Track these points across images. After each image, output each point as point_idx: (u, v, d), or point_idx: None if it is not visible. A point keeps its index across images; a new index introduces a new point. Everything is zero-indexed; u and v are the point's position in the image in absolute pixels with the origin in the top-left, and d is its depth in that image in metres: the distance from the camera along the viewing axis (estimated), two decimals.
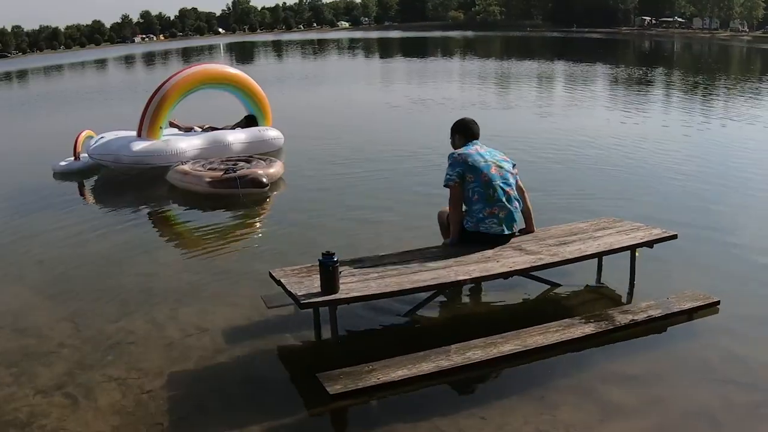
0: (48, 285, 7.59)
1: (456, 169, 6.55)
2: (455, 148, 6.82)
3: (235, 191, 10.88)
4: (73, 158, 13.54)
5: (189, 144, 13.15)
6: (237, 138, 13.92)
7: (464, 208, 6.64)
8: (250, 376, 5.43)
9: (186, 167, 11.65)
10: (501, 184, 6.54)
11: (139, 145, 12.75)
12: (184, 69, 14.42)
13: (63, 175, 13.29)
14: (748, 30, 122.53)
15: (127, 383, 5.32)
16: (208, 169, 11.52)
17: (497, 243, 6.54)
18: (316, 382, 5.06)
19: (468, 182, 6.52)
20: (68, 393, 5.22)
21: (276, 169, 11.81)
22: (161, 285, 7.43)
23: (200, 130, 14.42)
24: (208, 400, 5.10)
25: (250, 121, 14.91)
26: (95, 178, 13.21)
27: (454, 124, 6.95)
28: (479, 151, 6.65)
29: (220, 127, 14.60)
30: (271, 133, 14.60)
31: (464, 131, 6.85)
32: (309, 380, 5.16)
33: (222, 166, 11.58)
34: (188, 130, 14.39)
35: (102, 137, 13.33)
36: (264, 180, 11.11)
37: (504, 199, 6.53)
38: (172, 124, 14.36)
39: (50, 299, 7.16)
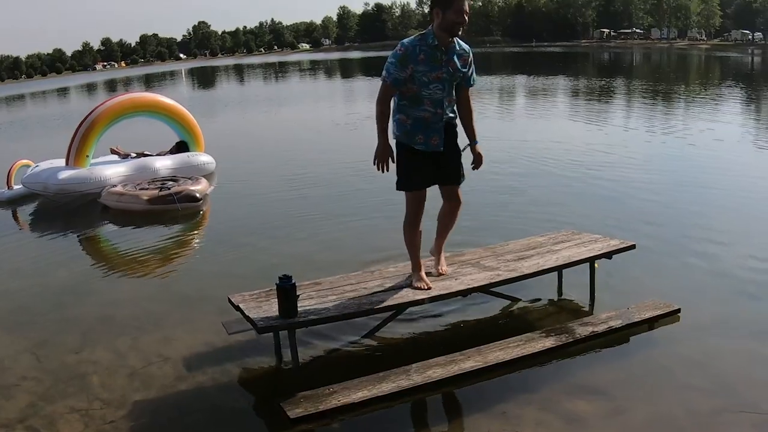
0: (7, 317, 7.47)
1: None
2: None
3: (173, 207, 11.52)
4: (6, 188, 13.63)
5: (114, 171, 13.45)
6: (164, 164, 14.18)
7: None
8: (211, 403, 5.38)
9: (119, 188, 12.22)
10: None
11: (65, 174, 13.05)
12: (110, 98, 14.80)
13: None
14: (705, 38, 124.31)
15: (90, 414, 5.26)
16: (140, 190, 12.04)
17: None
18: (277, 406, 5.02)
19: None
20: (31, 426, 5.15)
21: (203, 185, 12.42)
22: (122, 313, 7.33)
23: (135, 155, 14.69)
24: (170, 429, 5.06)
25: (181, 147, 15.18)
26: (34, 207, 13.20)
27: None
28: None
29: (154, 154, 14.85)
30: (201, 158, 14.92)
31: None
32: (270, 405, 5.13)
33: (152, 186, 12.14)
34: (126, 156, 14.66)
35: (37, 166, 13.66)
36: (197, 195, 11.95)
37: None
38: (113, 151, 14.83)
39: (10, 331, 7.04)
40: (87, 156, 13.49)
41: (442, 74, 5.86)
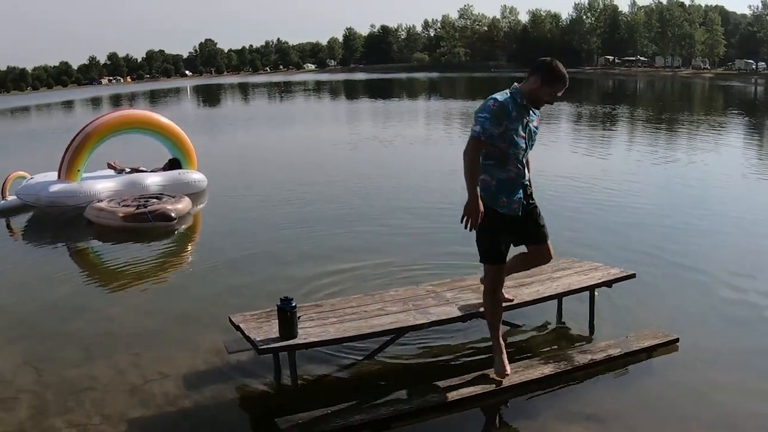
0: (7, 330, 7.48)
1: None
2: None
3: (148, 225, 11.83)
4: (1, 198, 13.81)
5: (104, 186, 13.70)
6: (154, 181, 14.35)
7: None
8: (210, 422, 5.41)
9: (102, 204, 12.42)
10: None
11: (57, 187, 13.32)
12: (104, 114, 14.99)
13: None
14: (709, 67, 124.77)
15: (88, 429, 5.28)
16: (122, 206, 12.27)
17: None
18: (276, 427, 5.03)
19: None
20: None
21: (183, 204, 12.69)
22: (121, 329, 7.35)
23: (129, 170, 14.90)
24: None
25: (173, 164, 15.33)
26: (27, 218, 13.34)
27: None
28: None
29: (148, 170, 15.07)
30: (193, 176, 15.08)
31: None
32: (269, 426, 5.13)
33: (134, 203, 12.40)
34: (121, 171, 14.89)
35: (32, 178, 13.92)
36: (172, 214, 12.08)
37: None
38: (109, 166, 15.11)
39: (10, 344, 7.05)
40: (78, 170, 13.72)
41: (526, 134, 5.65)
